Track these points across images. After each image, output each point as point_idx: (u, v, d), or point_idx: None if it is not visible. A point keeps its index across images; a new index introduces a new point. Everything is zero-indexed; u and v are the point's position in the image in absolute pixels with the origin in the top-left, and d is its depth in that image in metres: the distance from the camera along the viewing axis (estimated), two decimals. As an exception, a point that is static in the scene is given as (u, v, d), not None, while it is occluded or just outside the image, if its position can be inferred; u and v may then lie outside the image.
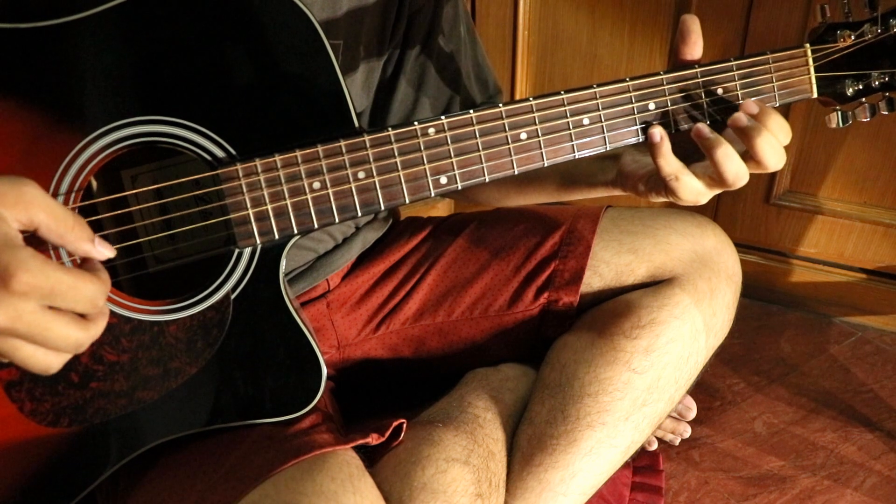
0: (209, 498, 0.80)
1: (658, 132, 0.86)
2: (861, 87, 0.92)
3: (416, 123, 0.81)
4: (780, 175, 1.71)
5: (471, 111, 0.82)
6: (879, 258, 1.72)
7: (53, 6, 0.73)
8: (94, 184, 0.82)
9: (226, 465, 0.83)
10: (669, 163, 0.86)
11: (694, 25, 0.88)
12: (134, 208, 0.81)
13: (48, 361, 0.64)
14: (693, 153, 0.89)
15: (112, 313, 0.77)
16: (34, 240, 0.64)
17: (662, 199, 0.92)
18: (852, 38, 0.90)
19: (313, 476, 0.79)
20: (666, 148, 0.86)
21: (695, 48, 0.88)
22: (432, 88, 1.11)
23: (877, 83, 0.92)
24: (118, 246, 0.77)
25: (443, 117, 0.81)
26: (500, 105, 0.83)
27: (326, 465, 0.81)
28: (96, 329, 0.66)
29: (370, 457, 0.91)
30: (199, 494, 0.81)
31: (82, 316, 0.65)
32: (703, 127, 0.86)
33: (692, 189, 0.87)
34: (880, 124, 1.57)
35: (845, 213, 1.70)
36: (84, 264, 0.67)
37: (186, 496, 0.82)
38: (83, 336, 0.65)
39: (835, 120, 0.94)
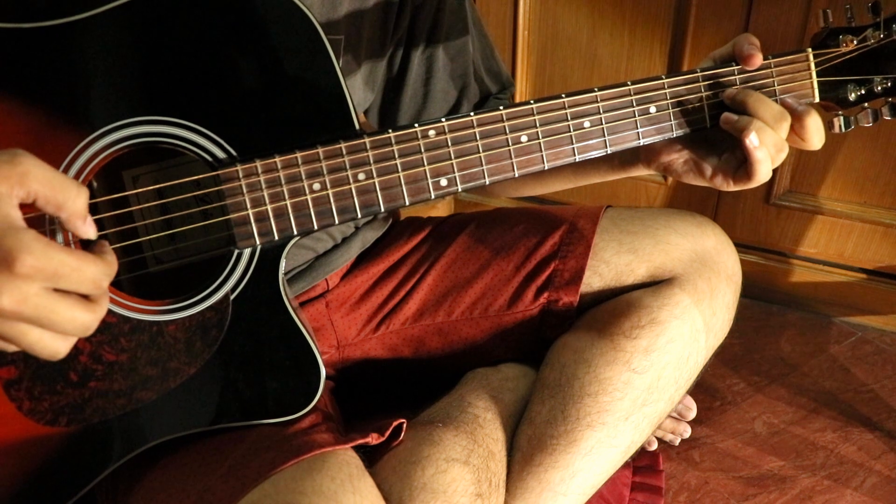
0: (208, 498, 0.80)
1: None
2: (863, 91, 0.92)
3: (416, 125, 0.81)
4: (780, 175, 1.71)
5: (471, 114, 0.82)
6: (879, 258, 1.72)
7: (56, 6, 0.73)
8: (95, 183, 0.82)
9: (225, 465, 0.83)
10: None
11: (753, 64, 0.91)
12: (135, 208, 0.81)
13: (55, 346, 0.64)
14: (707, 155, 0.93)
15: (111, 313, 0.77)
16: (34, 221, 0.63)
17: (700, 183, 0.95)
18: (855, 42, 0.90)
19: (313, 476, 0.79)
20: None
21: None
22: (442, 82, 1.11)
23: (879, 88, 0.92)
24: (118, 245, 0.78)
25: (443, 119, 0.81)
26: (501, 108, 0.83)
27: (326, 464, 0.81)
28: (101, 311, 0.65)
29: (370, 457, 0.91)
30: (199, 494, 0.81)
31: (86, 298, 0.64)
32: (730, 114, 0.89)
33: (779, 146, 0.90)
34: (880, 125, 1.56)
35: (845, 213, 1.70)
36: (93, 247, 0.67)
37: (186, 496, 0.82)
38: (89, 318, 0.64)
39: (837, 125, 0.94)
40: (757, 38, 0.90)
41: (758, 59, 0.90)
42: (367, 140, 0.79)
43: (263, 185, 0.78)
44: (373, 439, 0.89)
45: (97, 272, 0.64)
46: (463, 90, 1.13)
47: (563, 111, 0.84)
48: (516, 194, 1.16)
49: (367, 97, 1.08)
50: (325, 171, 0.79)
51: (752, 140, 0.87)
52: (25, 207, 0.62)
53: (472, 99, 1.15)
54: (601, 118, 0.86)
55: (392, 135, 0.80)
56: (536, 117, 0.84)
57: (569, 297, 1.08)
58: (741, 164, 0.91)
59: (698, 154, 0.95)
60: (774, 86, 0.90)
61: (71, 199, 0.62)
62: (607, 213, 1.13)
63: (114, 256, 0.68)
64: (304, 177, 0.78)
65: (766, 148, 0.88)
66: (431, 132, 0.81)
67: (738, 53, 0.90)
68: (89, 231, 0.66)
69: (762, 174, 0.89)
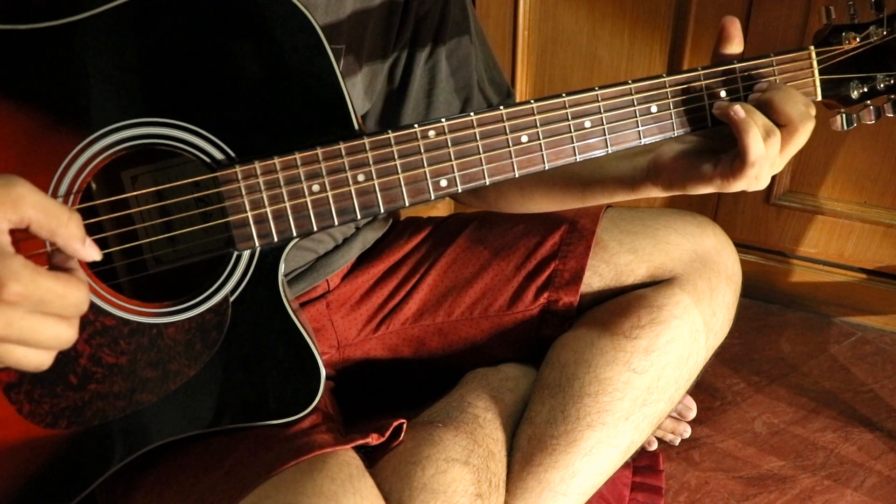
0: (209, 498, 0.80)
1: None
2: (866, 89, 0.92)
3: (416, 126, 0.80)
4: (780, 175, 1.71)
5: (471, 113, 0.81)
6: (879, 258, 1.71)
7: (54, 7, 0.73)
8: (94, 185, 0.82)
9: (225, 466, 0.83)
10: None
11: (735, 29, 0.89)
12: (134, 210, 0.80)
13: (40, 360, 0.65)
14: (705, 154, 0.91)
15: (111, 315, 0.77)
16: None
17: (705, 190, 0.93)
18: (857, 39, 0.90)
19: (313, 476, 0.79)
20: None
21: (739, 48, 0.90)
22: (445, 92, 1.10)
23: (882, 85, 0.92)
24: (118, 248, 0.77)
25: (443, 119, 0.81)
26: (501, 107, 0.82)
27: (326, 465, 0.81)
28: (78, 323, 0.66)
29: (370, 457, 0.91)
30: (199, 495, 0.81)
31: None
32: (723, 103, 0.87)
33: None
34: (880, 124, 1.56)
35: (845, 213, 1.70)
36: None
37: (186, 497, 0.82)
38: (71, 332, 0.65)
39: (839, 122, 0.93)
40: (738, 24, 0.90)
41: (735, 23, 0.89)
42: (366, 141, 0.79)
43: (262, 187, 0.77)
44: (373, 440, 0.89)
45: (80, 297, 0.64)
46: (466, 101, 1.12)
47: (564, 111, 0.84)
48: (522, 210, 1.13)
49: (364, 104, 1.07)
50: (324, 173, 0.78)
51: (737, 111, 0.83)
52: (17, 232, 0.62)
53: (475, 109, 1.14)
54: (602, 118, 0.85)
55: (391, 135, 0.80)
56: (537, 117, 0.83)
57: (569, 297, 1.08)
58: (737, 157, 0.88)
59: (700, 162, 0.92)
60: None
61: (63, 224, 0.62)
62: (607, 213, 1.13)
63: (84, 282, 0.66)
64: (303, 178, 0.78)
65: (756, 126, 0.83)
66: (431, 132, 0.81)
67: (718, 38, 0.89)
68: (92, 253, 0.65)
69: (754, 151, 0.83)
